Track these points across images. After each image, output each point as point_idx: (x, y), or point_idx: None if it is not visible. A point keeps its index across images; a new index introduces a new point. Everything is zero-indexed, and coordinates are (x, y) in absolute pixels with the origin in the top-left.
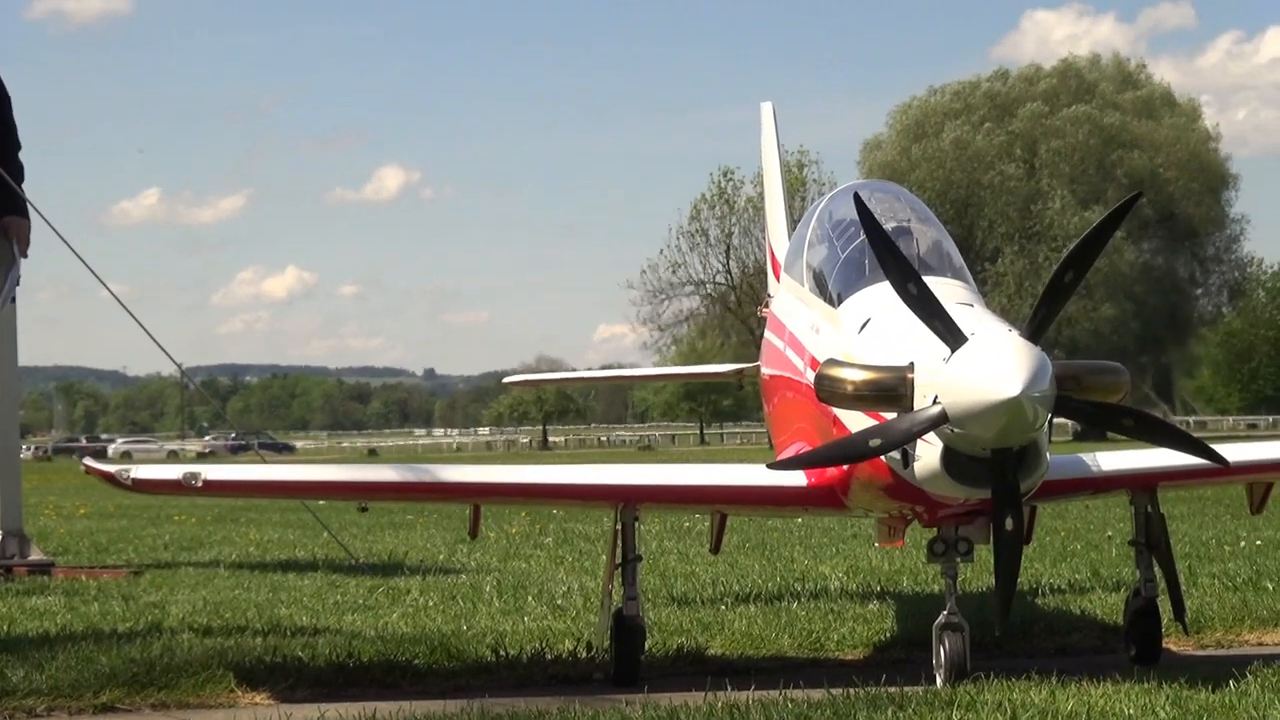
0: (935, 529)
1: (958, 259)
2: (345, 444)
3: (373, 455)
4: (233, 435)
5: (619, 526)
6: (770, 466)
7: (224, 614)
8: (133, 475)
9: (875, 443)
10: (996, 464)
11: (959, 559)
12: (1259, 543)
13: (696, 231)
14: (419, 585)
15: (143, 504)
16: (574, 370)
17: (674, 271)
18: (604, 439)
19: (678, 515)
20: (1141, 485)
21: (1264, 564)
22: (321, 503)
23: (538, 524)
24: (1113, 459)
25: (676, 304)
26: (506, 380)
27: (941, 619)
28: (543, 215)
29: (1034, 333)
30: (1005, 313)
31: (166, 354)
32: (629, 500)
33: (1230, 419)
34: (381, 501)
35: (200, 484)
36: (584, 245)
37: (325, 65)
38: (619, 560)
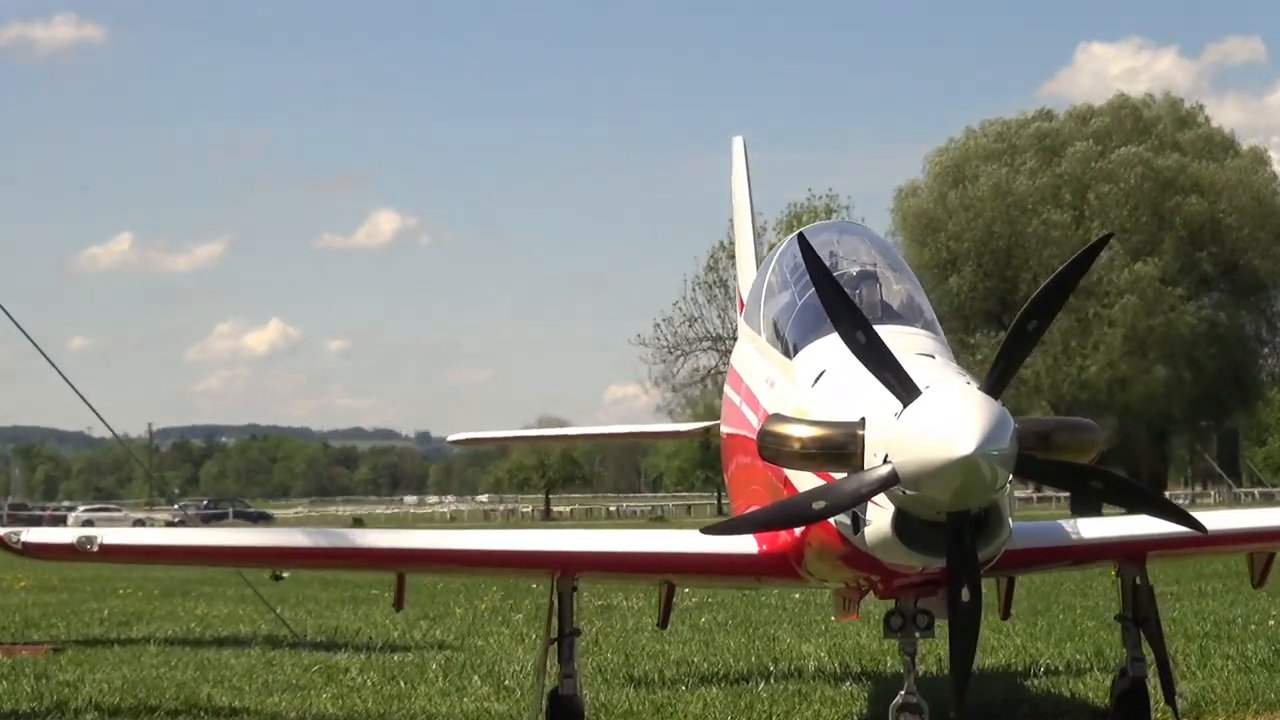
0: (893, 601)
1: (927, 309)
2: (329, 511)
3: (358, 524)
4: (205, 503)
5: (555, 597)
6: (705, 531)
7: (138, 694)
8: (23, 539)
9: (820, 505)
10: (952, 529)
11: (918, 634)
12: None
13: (714, 282)
14: (361, 663)
15: (88, 576)
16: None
17: (690, 325)
18: (613, 509)
19: (625, 586)
20: (1129, 555)
21: None
22: (287, 575)
23: (510, 599)
24: (1097, 526)
25: (692, 361)
26: (452, 439)
27: (899, 699)
28: (550, 265)
29: (994, 386)
30: (1050, 375)
31: (94, 410)
32: (566, 569)
33: None
34: (296, 568)
35: (96, 549)
36: (594, 298)
37: (316, 103)
38: (554, 635)
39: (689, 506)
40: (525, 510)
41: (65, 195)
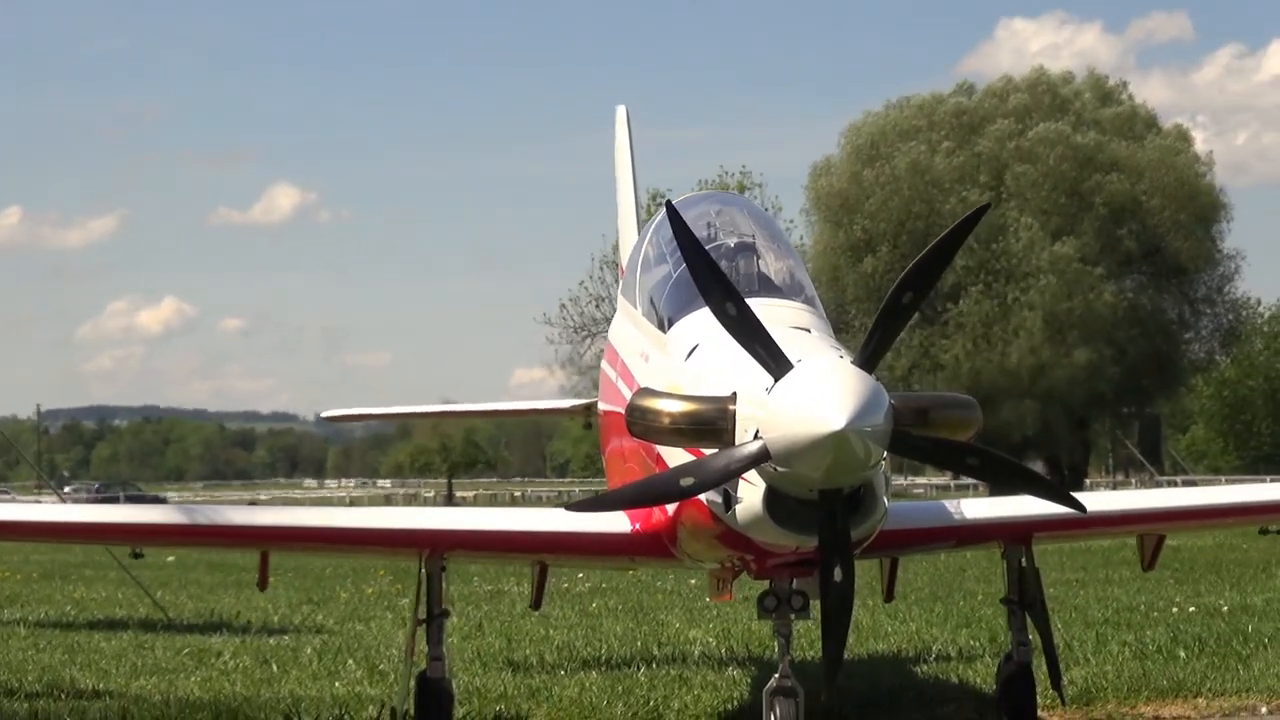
0: (768, 582)
1: (806, 283)
2: (225, 496)
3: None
4: (96, 486)
5: (423, 577)
6: (569, 508)
7: None
8: None
9: (688, 482)
10: (824, 507)
11: (793, 615)
12: (1226, 608)
13: None
14: (235, 647)
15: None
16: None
17: (597, 306)
18: (518, 494)
19: (496, 565)
20: (1013, 536)
21: (1193, 630)
22: (171, 559)
23: (399, 583)
24: (981, 506)
25: (600, 342)
26: (325, 414)
27: (773, 683)
28: (454, 243)
29: (868, 360)
30: (969, 360)
31: None
32: (434, 547)
33: (1225, 479)
34: (157, 545)
35: None
36: (500, 278)
37: (213, 75)
38: (423, 616)
39: (597, 491)
40: (428, 495)
41: None
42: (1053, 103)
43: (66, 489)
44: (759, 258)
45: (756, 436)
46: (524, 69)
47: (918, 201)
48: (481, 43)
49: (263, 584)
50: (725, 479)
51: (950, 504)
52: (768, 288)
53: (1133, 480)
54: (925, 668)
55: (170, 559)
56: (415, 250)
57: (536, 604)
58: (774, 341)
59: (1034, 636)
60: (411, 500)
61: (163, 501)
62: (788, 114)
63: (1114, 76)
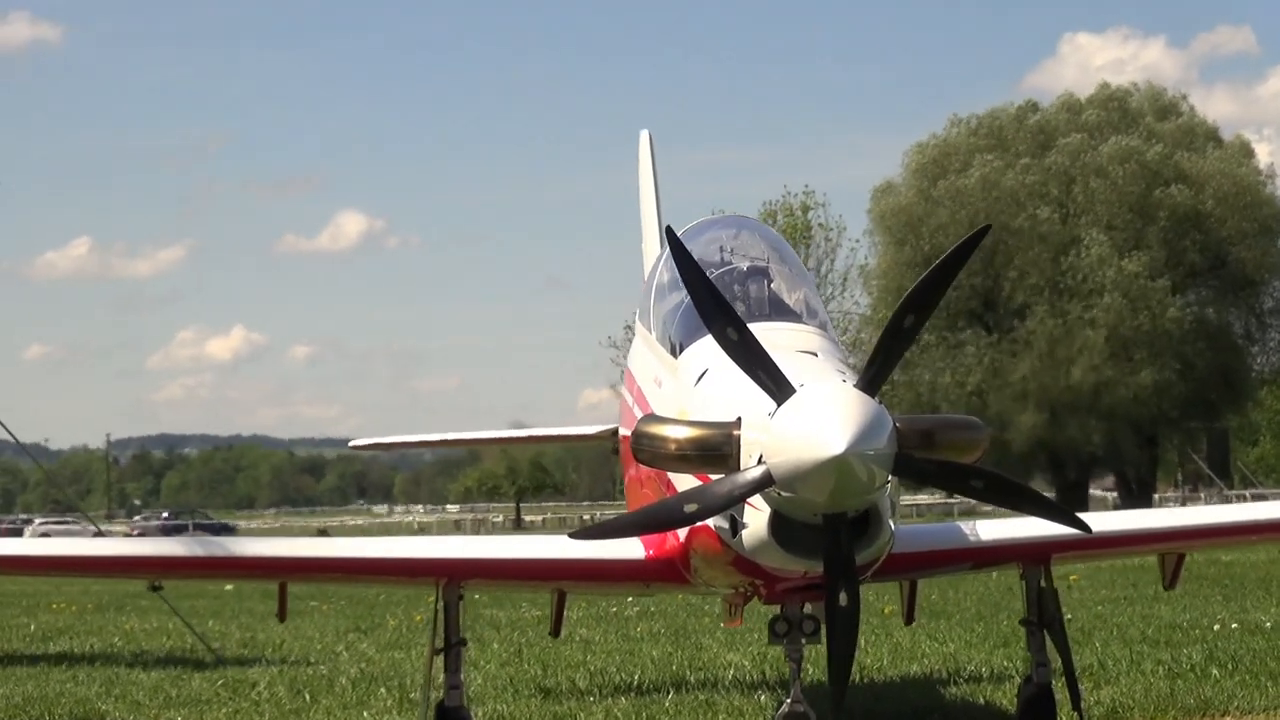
0: (779, 607)
1: (818, 306)
2: (294, 523)
3: (323, 535)
4: (165, 515)
5: (440, 606)
6: (572, 536)
7: (32, 711)
8: None
9: (691, 508)
10: (829, 531)
11: (804, 640)
12: (1270, 624)
13: None
14: (271, 678)
15: (26, 590)
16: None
17: None
18: (587, 517)
19: (513, 593)
20: (1032, 557)
21: (1230, 648)
22: (229, 586)
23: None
24: (997, 527)
25: None
26: (353, 444)
27: (785, 708)
28: (521, 266)
29: (870, 383)
30: (1034, 378)
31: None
32: (451, 576)
33: None
34: (173, 579)
35: None
36: (568, 300)
37: (277, 102)
38: (440, 645)
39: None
40: (496, 520)
41: (20, 199)
42: (1123, 117)
43: (136, 518)
44: (770, 281)
45: (760, 462)
46: (592, 89)
47: (984, 216)
48: (550, 63)
49: (282, 615)
50: (729, 505)
51: (966, 525)
52: (779, 311)
53: (1202, 494)
54: (955, 689)
55: (229, 586)
56: (483, 274)
57: (555, 631)
58: (776, 366)
59: (1055, 657)
60: (480, 525)
61: (231, 530)
62: (849, 133)
63: (1176, 90)
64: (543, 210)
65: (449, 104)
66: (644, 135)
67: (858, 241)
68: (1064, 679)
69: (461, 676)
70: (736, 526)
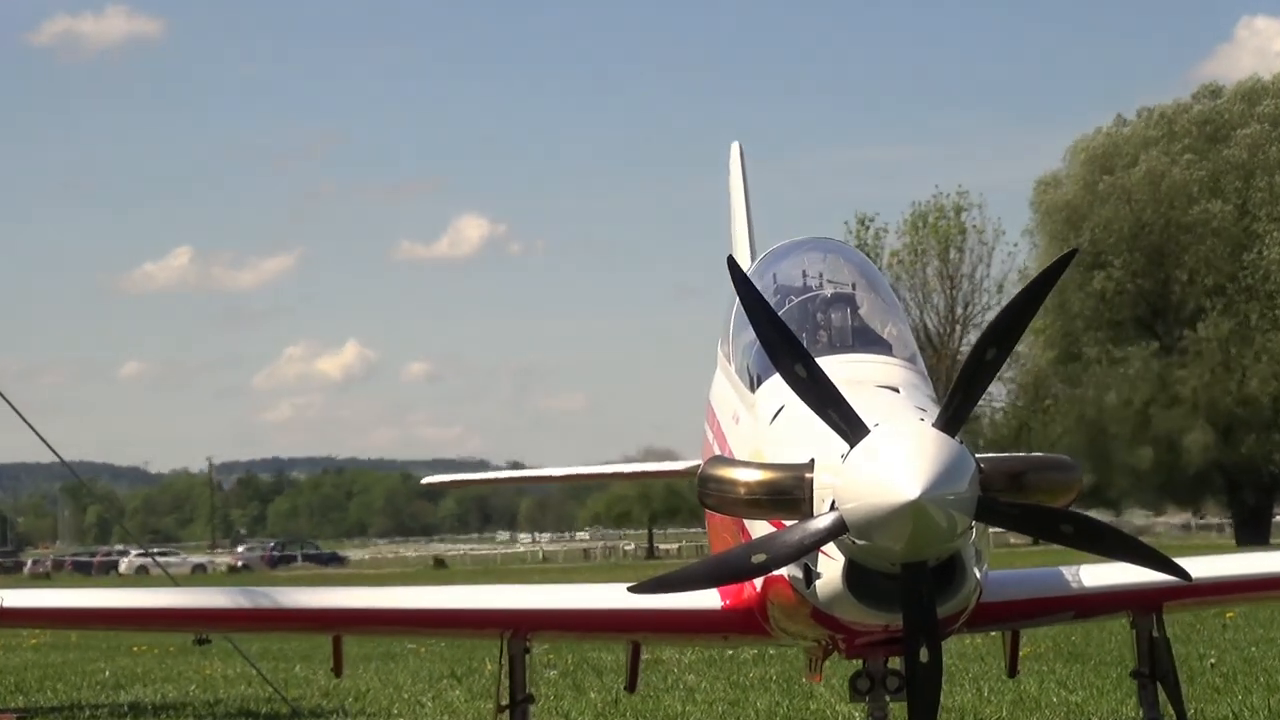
0: (861, 661)
1: (906, 334)
2: (409, 552)
3: (440, 567)
4: (271, 545)
5: (505, 660)
6: (631, 590)
7: None
8: None
9: (759, 559)
10: (908, 581)
11: (888, 697)
12: None
13: None
14: None
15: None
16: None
17: None
18: None
19: (587, 646)
20: (1141, 605)
21: None
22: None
23: (551, 653)
24: (1102, 573)
25: None
26: (425, 481)
27: None
28: (654, 275)
29: (949, 422)
30: (1205, 391)
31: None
32: (517, 628)
33: None
34: (216, 632)
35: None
36: (705, 312)
37: (391, 99)
38: (505, 701)
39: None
40: (628, 548)
41: (116, 206)
42: None
43: (240, 548)
44: (856, 309)
45: (833, 507)
46: (722, 90)
47: (1150, 211)
48: (678, 60)
49: (338, 670)
50: (800, 554)
51: (1068, 570)
52: (864, 342)
53: None
54: None
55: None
56: (612, 283)
57: (631, 685)
58: (848, 405)
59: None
60: (610, 553)
61: (341, 560)
62: (1007, 131)
63: None
64: (674, 212)
65: (575, 100)
66: (734, 147)
67: (1015, 245)
68: None
69: None
70: (811, 576)
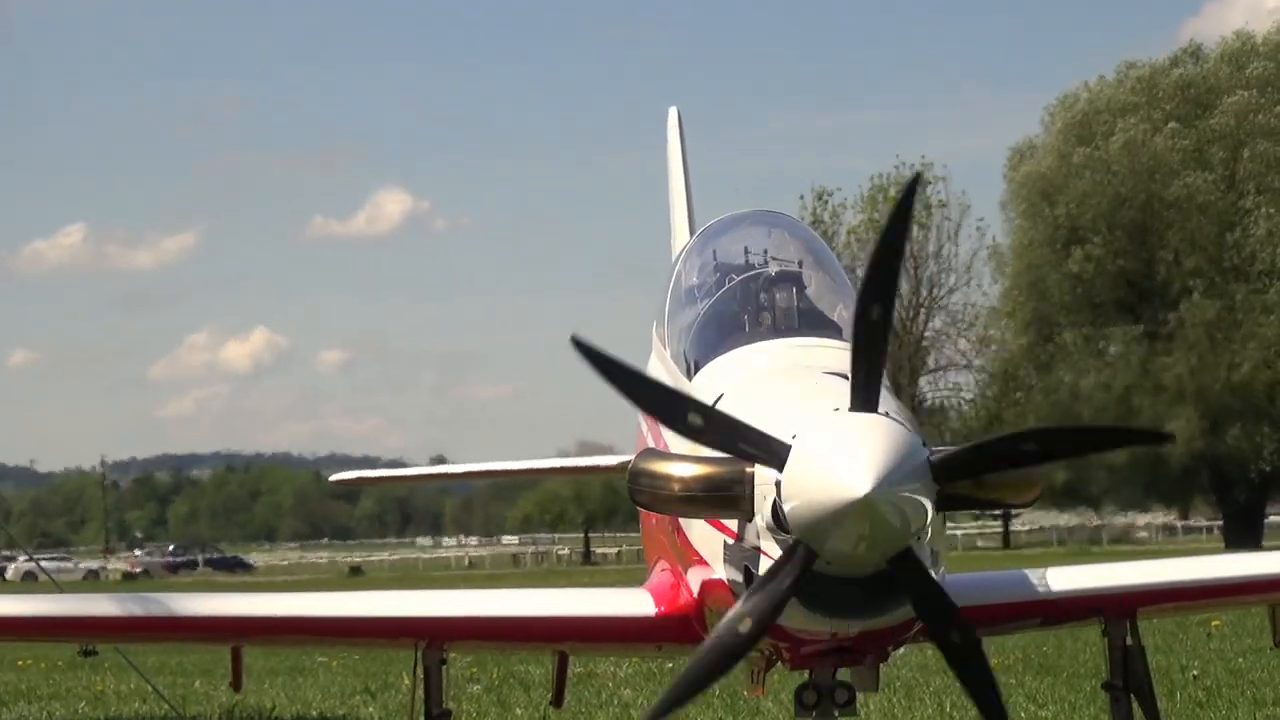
0: (808, 673)
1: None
2: (322, 558)
3: (356, 574)
4: (171, 549)
5: (420, 672)
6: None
7: None
8: None
9: (745, 627)
10: (903, 573)
11: (837, 712)
12: None
13: None
14: None
15: None
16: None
17: None
18: None
19: (512, 657)
20: (1114, 611)
21: None
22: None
23: (474, 666)
24: (1072, 576)
25: None
26: (335, 478)
27: None
28: (589, 254)
29: (865, 400)
30: (1192, 378)
31: None
32: (432, 638)
33: None
34: (104, 642)
35: None
36: (645, 293)
37: (306, 62)
38: (421, 717)
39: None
40: (562, 552)
41: (1, 177)
42: None
43: (137, 552)
44: (803, 289)
45: (775, 507)
46: (661, 49)
47: (1129, 185)
48: (611, 16)
49: (237, 684)
50: (783, 602)
51: (1034, 574)
52: (810, 324)
53: None
54: None
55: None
56: (544, 261)
57: (558, 701)
58: (755, 431)
59: None
60: (542, 559)
61: (248, 566)
62: (973, 95)
63: None
64: (612, 187)
65: (505, 65)
66: (672, 112)
67: (982, 220)
68: None
69: None
70: (751, 579)
